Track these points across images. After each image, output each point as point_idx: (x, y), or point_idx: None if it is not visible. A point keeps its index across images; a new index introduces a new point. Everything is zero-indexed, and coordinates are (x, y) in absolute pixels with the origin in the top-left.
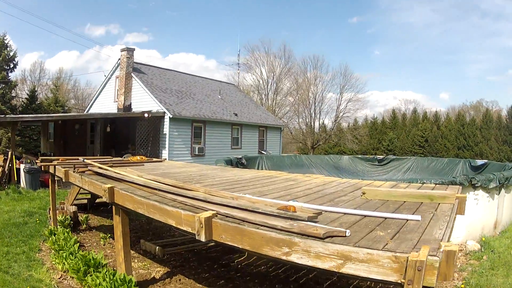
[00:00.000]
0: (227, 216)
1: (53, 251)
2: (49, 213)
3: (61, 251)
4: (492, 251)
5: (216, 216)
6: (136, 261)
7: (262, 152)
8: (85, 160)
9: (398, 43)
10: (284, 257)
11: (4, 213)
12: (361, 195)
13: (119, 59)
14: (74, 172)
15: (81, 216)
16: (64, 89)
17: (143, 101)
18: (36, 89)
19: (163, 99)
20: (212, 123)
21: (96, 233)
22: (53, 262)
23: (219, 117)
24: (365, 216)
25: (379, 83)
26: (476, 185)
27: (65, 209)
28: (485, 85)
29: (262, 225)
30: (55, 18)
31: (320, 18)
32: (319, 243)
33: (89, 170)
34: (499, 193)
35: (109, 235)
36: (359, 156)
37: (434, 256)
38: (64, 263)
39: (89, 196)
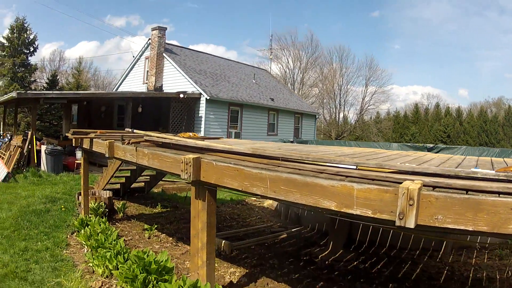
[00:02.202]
0: (434, 187)
1: (86, 247)
2: (78, 199)
3: (101, 249)
4: None
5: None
6: None
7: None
8: (134, 131)
9: (414, 38)
10: None
11: (22, 198)
12: None
13: (149, 39)
14: (124, 144)
15: (117, 203)
16: (84, 77)
17: (176, 83)
18: (56, 74)
19: (199, 80)
20: (249, 107)
21: (136, 224)
22: (90, 264)
23: (256, 101)
24: None
25: (398, 77)
26: None
27: (97, 194)
28: (504, 82)
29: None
30: (75, 7)
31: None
32: None
33: (147, 141)
34: None
35: (155, 226)
36: (409, 144)
37: None
38: (107, 265)
39: (123, 180)
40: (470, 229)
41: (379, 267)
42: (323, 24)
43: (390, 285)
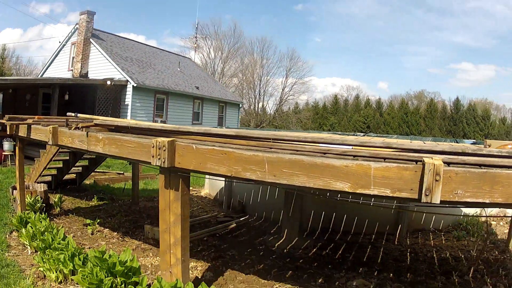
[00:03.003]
0: (449, 163)
1: (30, 248)
2: (13, 194)
3: (50, 250)
4: None
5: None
6: (151, 254)
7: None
8: (78, 115)
9: (339, 32)
10: None
11: None
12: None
13: (76, 24)
14: (71, 129)
15: (53, 197)
16: (6, 66)
17: (102, 69)
18: None
19: (125, 67)
20: (175, 95)
21: (76, 218)
22: (40, 268)
23: (182, 89)
24: None
25: (317, 69)
26: None
27: (31, 188)
28: (426, 77)
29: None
30: None
31: (265, 3)
32: None
33: (98, 125)
34: None
35: (97, 220)
36: (339, 132)
37: None
38: (61, 270)
39: (54, 172)
40: (487, 201)
41: (340, 252)
42: (249, 15)
43: (360, 269)
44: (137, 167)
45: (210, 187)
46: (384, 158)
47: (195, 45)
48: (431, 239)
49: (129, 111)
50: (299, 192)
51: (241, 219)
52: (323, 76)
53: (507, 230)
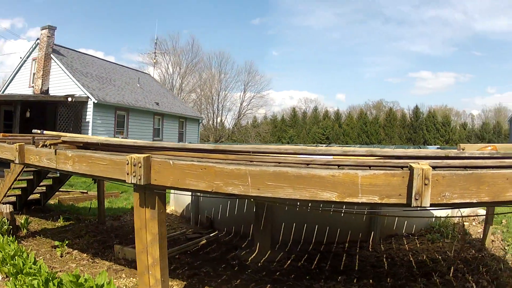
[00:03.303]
0: (434, 167)
1: (1, 274)
2: None
3: (22, 276)
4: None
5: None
6: (124, 275)
7: None
8: (44, 132)
9: (296, 45)
10: None
11: None
12: None
13: (37, 39)
14: (38, 146)
15: (19, 218)
16: None
17: (63, 85)
18: None
19: (86, 83)
20: (135, 111)
21: (43, 240)
22: None
23: (142, 105)
24: None
25: (275, 83)
26: None
27: None
28: (384, 86)
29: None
30: None
31: (224, 18)
32: None
33: (66, 142)
34: None
35: (66, 242)
36: (301, 144)
37: None
38: None
39: (18, 192)
40: (475, 201)
41: (316, 262)
42: (207, 30)
43: (339, 277)
44: (102, 185)
45: (176, 204)
46: (370, 166)
47: (154, 60)
48: (405, 243)
49: (90, 127)
50: (271, 203)
51: (210, 235)
52: (281, 89)
53: (481, 230)
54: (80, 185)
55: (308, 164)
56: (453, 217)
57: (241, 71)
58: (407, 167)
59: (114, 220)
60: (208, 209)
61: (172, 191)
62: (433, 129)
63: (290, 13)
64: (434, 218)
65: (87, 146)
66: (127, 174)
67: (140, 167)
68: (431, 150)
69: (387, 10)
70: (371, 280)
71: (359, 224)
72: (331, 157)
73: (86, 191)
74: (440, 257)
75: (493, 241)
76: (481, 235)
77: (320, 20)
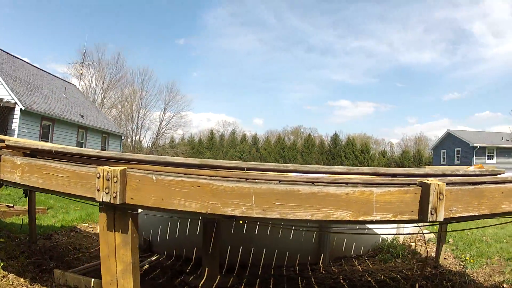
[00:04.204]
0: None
1: None
2: None
3: None
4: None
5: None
6: None
7: None
8: None
9: (217, 67)
10: None
11: None
12: None
13: None
14: None
15: None
16: None
17: None
18: None
19: (15, 87)
20: (61, 122)
21: None
22: None
23: (68, 116)
24: None
25: (194, 104)
26: None
27: None
28: (302, 113)
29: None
30: None
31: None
32: None
33: (10, 146)
34: None
35: (1, 263)
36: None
37: None
38: None
39: None
40: (476, 214)
41: (272, 287)
42: (132, 45)
43: None
44: (33, 199)
45: None
46: (378, 184)
47: (81, 71)
48: (357, 264)
49: (15, 136)
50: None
51: (152, 258)
52: (199, 111)
53: (428, 249)
54: (5, 198)
55: (313, 183)
56: (399, 234)
57: (163, 89)
58: (415, 184)
59: (45, 239)
60: (146, 231)
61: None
62: (352, 156)
63: (215, 35)
64: (380, 240)
65: (34, 153)
66: (98, 190)
67: (115, 182)
68: (429, 168)
69: (311, 39)
70: None
71: (308, 247)
72: (336, 175)
73: (12, 205)
74: (398, 276)
75: (445, 258)
76: (430, 254)
77: (244, 44)
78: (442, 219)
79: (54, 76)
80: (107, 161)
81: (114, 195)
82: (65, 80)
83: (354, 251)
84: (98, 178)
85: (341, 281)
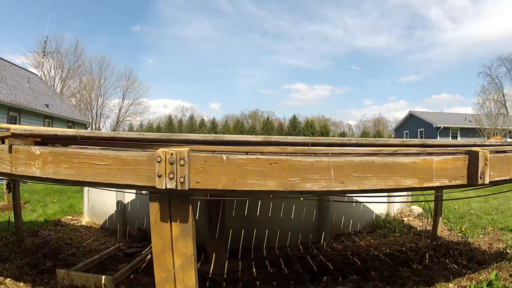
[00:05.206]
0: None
1: None
2: None
3: None
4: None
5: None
6: None
7: None
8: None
9: (173, 54)
10: None
11: None
12: None
13: None
14: None
15: None
16: None
17: None
18: None
19: None
20: (27, 112)
21: None
22: None
23: (34, 106)
24: None
25: (150, 91)
26: None
27: None
28: (258, 97)
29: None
30: None
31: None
32: None
33: (16, 136)
34: None
35: None
36: None
37: None
38: None
39: None
40: (507, 178)
41: (284, 267)
42: (88, 33)
43: (324, 278)
44: (18, 193)
45: (92, 214)
46: (431, 153)
47: (42, 61)
48: (359, 240)
49: None
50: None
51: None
52: (156, 97)
53: (420, 223)
54: None
55: (376, 154)
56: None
57: (121, 77)
58: (460, 152)
59: (32, 236)
60: (140, 219)
61: (85, 197)
62: None
63: (170, 22)
64: (374, 216)
65: (46, 141)
66: (159, 176)
67: (182, 165)
68: (464, 140)
69: (266, 24)
70: (355, 276)
71: (309, 226)
72: (394, 147)
73: None
74: (404, 248)
75: (442, 231)
76: (425, 228)
77: (198, 31)
78: (487, 183)
79: (17, 65)
80: (152, 143)
81: (182, 180)
82: (27, 70)
83: (351, 228)
84: (159, 162)
85: (350, 256)
